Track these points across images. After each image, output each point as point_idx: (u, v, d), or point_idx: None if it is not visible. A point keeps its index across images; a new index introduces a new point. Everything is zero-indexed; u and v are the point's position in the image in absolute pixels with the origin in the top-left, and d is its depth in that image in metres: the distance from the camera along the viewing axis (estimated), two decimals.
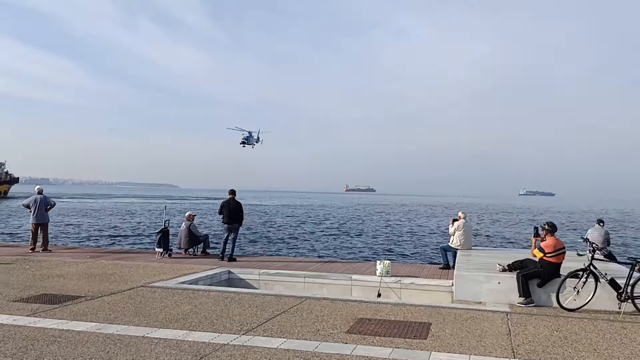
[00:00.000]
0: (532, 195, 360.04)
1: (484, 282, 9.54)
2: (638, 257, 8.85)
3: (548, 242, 9.32)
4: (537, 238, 9.66)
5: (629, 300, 8.42)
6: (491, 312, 8.61)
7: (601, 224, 12.94)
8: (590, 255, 8.86)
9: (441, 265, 13.68)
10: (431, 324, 7.71)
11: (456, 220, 13.76)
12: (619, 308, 8.60)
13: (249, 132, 55.73)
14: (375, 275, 12.19)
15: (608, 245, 12.84)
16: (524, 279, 9.23)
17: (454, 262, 13.62)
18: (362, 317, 8.07)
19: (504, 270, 9.86)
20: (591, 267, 8.76)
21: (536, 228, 9.83)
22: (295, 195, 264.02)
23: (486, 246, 24.17)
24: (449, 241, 13.93)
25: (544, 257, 9.24)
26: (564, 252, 9.28)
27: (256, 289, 12.25)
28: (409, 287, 11.81)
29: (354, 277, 12.17)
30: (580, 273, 8.79)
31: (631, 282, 8.46)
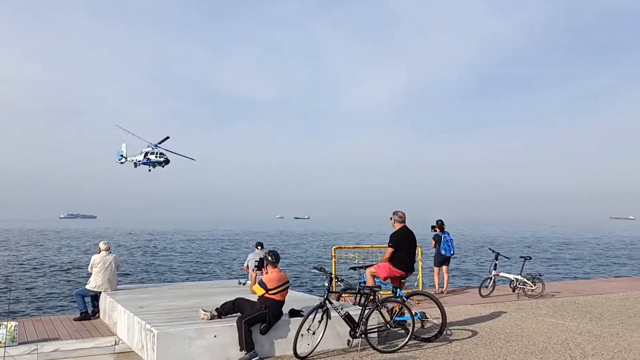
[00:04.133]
0: (73, 218, 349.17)
1: (196, 337, 6.97)
2: (367, 284, 8.07)
3: (271, 276, 7.52)
4: (260, 272, 7.78)
5: (363, 336, 7.45)
6: None
7: (260, 247, 11.93)
8: (327, 286, 7.52)
9: (78, 316, 10.09)
10: None
11: None
12: (349, 345, 7.55)
13: (154, 146, 30.58)
14: None
15: None
16: (247, 327, 7.16)
17: (95, 308, 10.34)
18: None
19: (212, 317, 7.52)
20: (327, 302, 7.42)
21: (261, 259, 7.93)
22: None
23: (130, 282, 19.78)
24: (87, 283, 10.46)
25: (267, 295, 7.41)
26: (289, 286, 7.68)
27: None
28: (51, 356, 8.00)
29: None
30: (316, 310, 7.34)
31: (365, 314, 7.52)
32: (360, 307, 7.73)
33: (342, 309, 7.52)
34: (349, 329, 7.53)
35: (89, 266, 10.41)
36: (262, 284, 7.45)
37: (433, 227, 13.18)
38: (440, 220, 13.38)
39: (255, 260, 11.68)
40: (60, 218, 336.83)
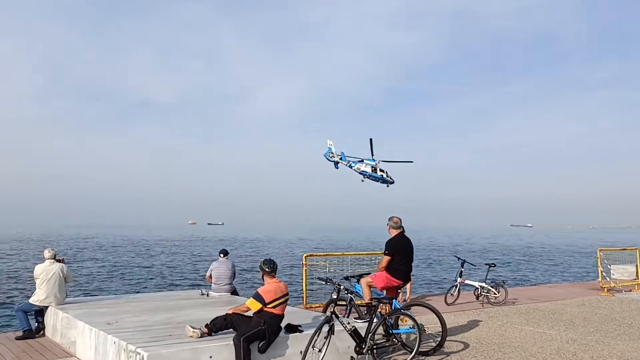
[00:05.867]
0: None
1: (191, 359, 6.10)
2: (379, 295, 7.46)
3: (268, 288, 6.76)
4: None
5: (370, 352, 6.85)
6: None
7: (225, 256, 10.98)
8: (334, 298, 6.84)
9: (20, 334, 8.78)
10: None
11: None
12: None
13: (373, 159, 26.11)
14: None
15: (234, 279, 11.01)
16: (246, 345, 6.37)
17: (40, 324, 9.10)
18: None
19: (203, 334, 6.64)
20: (333, 316, 6.75)
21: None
22: None
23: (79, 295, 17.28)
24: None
25: (265, 309, 6.64)
26: (288, 298, 6.94)
27: None
28: None
29: None
30: (322, 325, 6.66)
31: (372, 329, 6.93)
32: (367, 321, 7.12)
33: (348, 323, 6.89)
34: (354, 344, 6.92)
35: (34, 277, 9.13)
36: (257, 297, 6.67)
37: None
38: None
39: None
40: None
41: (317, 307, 10.90)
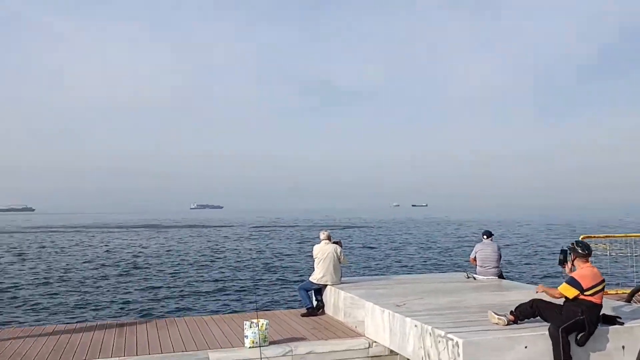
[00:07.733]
0: (202, 208, 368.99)
1: (506, 348, 5.64)
2: None
3: (583, 272, 5.98)
4: (563, 267, 6.33)
5: None
6: None
7: (490, 237, 10.38)
8: None
9: (304, 311, 9.32)
10: None
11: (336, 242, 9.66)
12: None
13: None
14: (245, 346, 7.13)
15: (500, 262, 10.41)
16: (565, 336, 5.71)
17: (319, 302, 9.54)
18: None
19: (509, 322, 6.16)
20: None
21: (564, 251, 6.43)
22: None
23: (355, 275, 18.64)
24: (309, 276, 9.70)
25: (581, 296, 5.88)
26: (605, 285, 6.10)
27: None
28: (306, 358, 7.14)
29: (213, 355, 6.85)
30: None
31: None
32: None
33: None
34: None
35: (313, 257, 9.62)
36: (573, 283, 5.91)
37: None
38: None
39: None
40: (190, 209, 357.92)
41: None
